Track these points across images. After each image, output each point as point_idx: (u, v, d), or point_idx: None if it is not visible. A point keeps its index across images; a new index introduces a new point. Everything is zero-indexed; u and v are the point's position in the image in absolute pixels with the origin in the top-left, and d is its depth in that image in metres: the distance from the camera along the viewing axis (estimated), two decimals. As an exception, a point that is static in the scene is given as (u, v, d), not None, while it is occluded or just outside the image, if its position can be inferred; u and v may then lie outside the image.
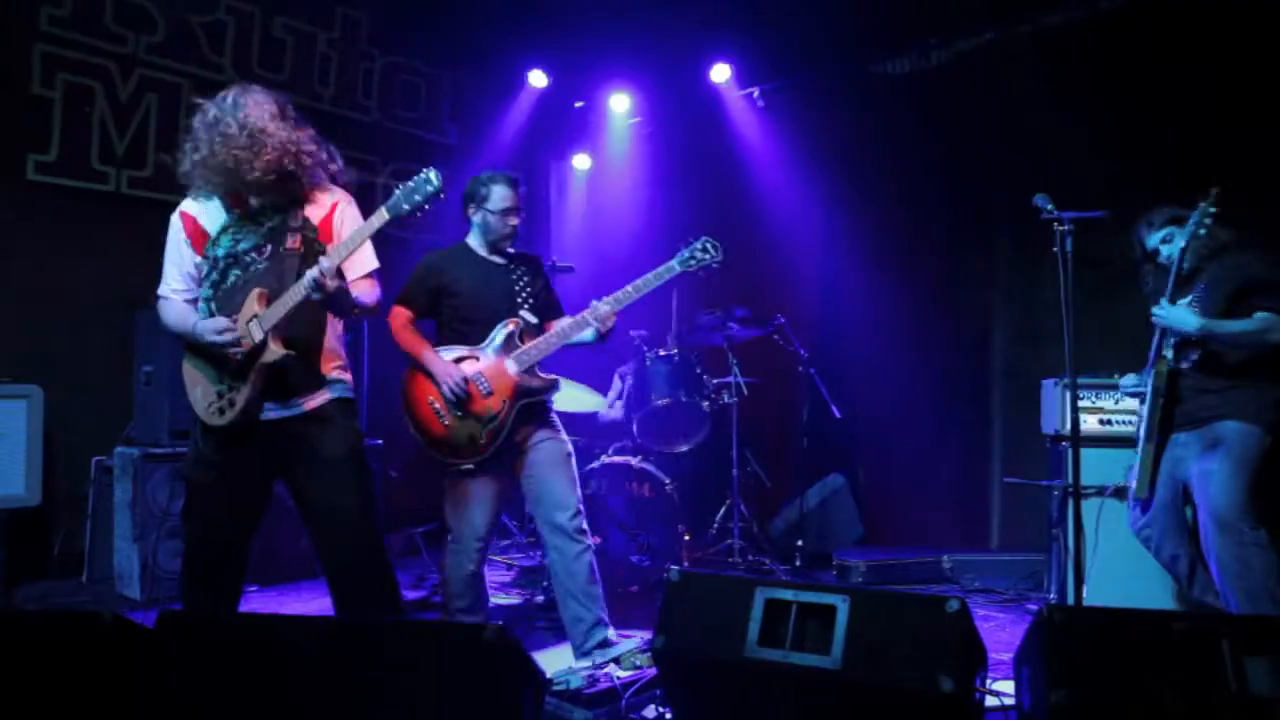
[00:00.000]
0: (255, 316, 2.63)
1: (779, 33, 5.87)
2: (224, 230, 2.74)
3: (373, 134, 6.19)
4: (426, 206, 2.64)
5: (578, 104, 7.17)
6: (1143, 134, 4.71)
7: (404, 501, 5.33)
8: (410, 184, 2.64)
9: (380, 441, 5.17)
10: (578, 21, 6.08)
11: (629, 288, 3.36)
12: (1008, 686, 2.56)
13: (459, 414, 3.29)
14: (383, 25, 6.21)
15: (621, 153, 7.13)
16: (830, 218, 6.14)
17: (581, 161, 7.41)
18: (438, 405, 3.31)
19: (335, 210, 2.81)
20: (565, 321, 3.39)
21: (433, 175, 2.62)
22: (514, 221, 3.47)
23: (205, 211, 2.78)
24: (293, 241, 2.69)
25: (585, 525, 3.39)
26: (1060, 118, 4.96)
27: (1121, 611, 2.04)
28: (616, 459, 4.65)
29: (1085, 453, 3.30)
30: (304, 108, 6.05)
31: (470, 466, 3.33)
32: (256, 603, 4.34)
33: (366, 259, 2.82)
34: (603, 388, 5.46)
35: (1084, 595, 3.28)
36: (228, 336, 2.63)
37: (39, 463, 4.07)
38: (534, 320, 3.47)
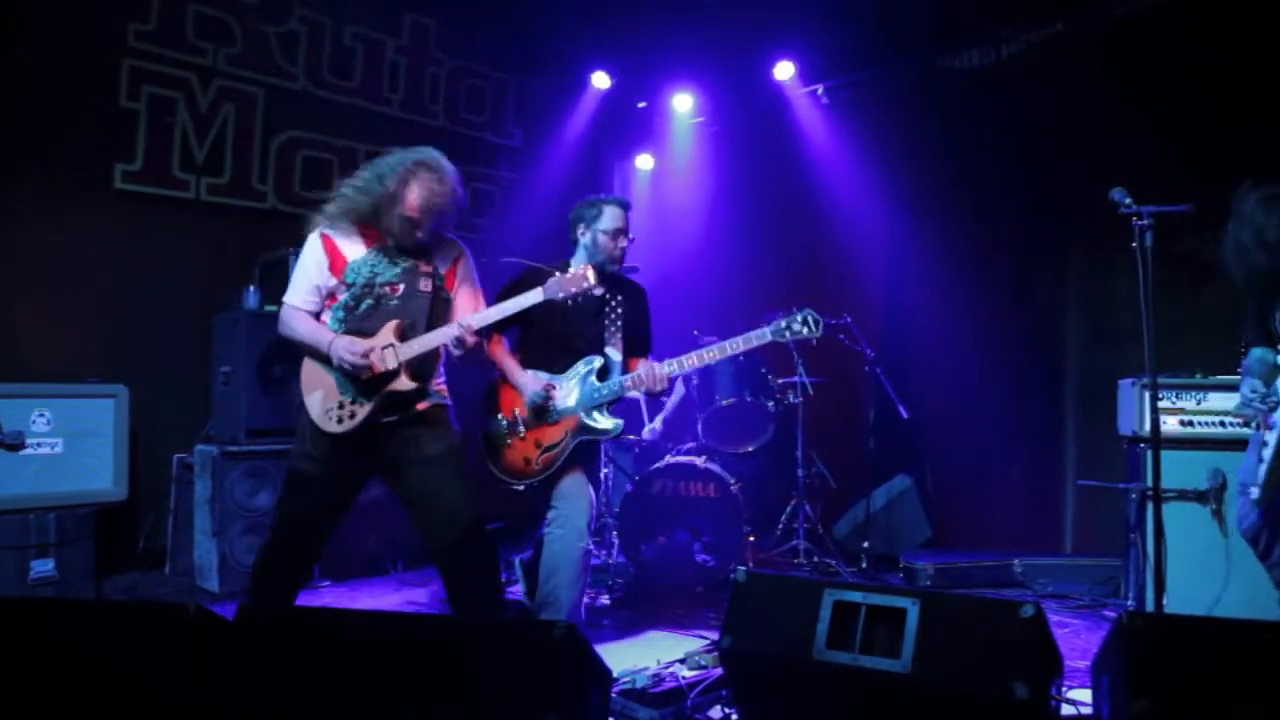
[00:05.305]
0: (391, 345, 2.86)
1: (843, 28, 5.80)
2: (364, 260, 2.95)
3: (439, 138, 6.28)
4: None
5: (641, 104, 7.19)
6: (1220, 128, 4.53)
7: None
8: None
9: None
10: (640, 22, 6.10)
11: (699, 354, 3.31)
12: (1084, 695, 2.50)
13: (522, 435, 3.35)
14: (449, 31, 6.30)
15: (685, 152, 7.13)
16: (896, 214, 6.05)
17: (645, 162, 7.42)
18: (506, 421, 3.39)
19: (459, 262, 3.10)
20: (640, 371, 3.37)
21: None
22: (624, 243, 3.53)
23: (345, 237, 2.98)
24: (425, 285, 2.97)
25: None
26: (1133, 111, 4.81)
27: (1207, 620, 1.98)
28: (681, 459, 4.65)
29: (1165, 455, 3.20)
30: (373, 114, 6.17)
31: (520, 488, 3.38)
32: (330, 597, 4.45)
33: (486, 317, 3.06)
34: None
35: (1164, 602, 3.18)
36: (361, 361, 2.81)
37: (125, 459, 4.23)
38: (617, 359, 3.49)
